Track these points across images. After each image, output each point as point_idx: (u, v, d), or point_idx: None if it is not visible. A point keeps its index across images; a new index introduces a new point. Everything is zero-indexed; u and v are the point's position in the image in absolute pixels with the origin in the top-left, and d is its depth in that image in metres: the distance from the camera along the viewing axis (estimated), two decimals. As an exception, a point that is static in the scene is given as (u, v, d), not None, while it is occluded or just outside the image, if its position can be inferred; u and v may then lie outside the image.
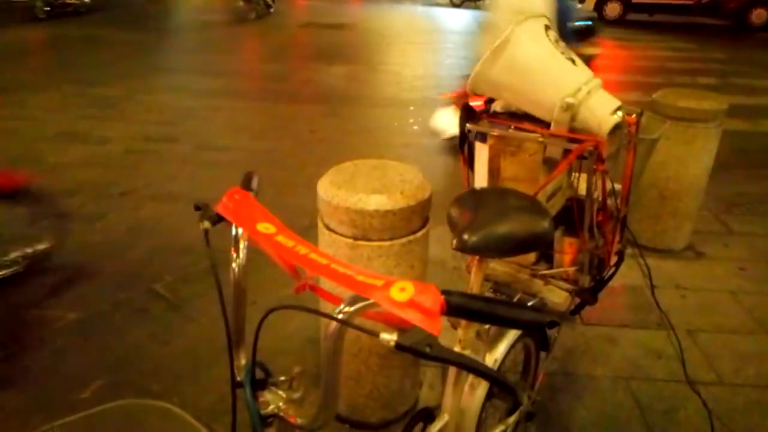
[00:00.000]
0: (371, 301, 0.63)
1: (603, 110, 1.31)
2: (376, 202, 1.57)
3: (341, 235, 1.63)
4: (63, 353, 2.30)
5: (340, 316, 0.65)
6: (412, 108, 6.09)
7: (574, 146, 1.28)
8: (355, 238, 1.61)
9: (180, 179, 4.00)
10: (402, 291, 0.61)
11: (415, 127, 5.46)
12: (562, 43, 1.38)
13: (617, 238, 1.56)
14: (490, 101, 1.48)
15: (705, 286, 2.78)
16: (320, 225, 1.70)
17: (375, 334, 0.59)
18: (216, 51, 8.97)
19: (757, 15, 12.37)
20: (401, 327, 0.60)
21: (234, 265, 0.88)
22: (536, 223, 1.18)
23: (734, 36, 12.01)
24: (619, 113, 1.32)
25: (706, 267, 2.95)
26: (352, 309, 0.65)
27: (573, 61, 1.35)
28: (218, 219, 0.87)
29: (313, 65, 8.02)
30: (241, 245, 0.88)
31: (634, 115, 1.42)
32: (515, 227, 1.16)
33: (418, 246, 1.69)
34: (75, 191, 3.72)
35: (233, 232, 0.88)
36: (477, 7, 15.70)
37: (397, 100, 6.45)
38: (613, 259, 1.57)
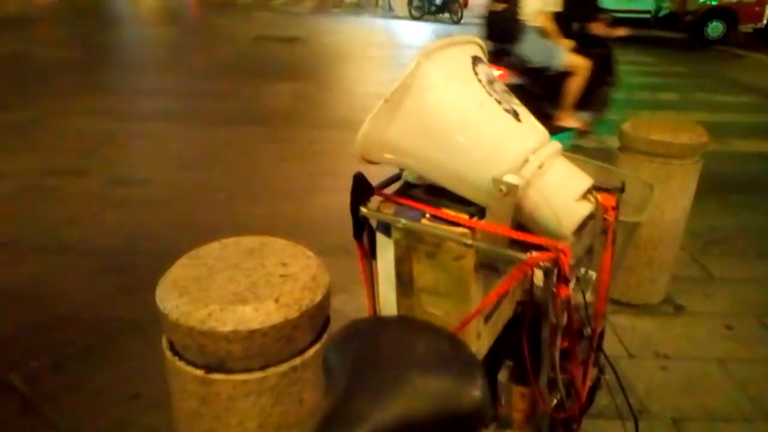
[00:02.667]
0: None
1: (564, 196, 0.83)
2: (236, 318, 1.05)
3: (189, 363, 1.11)
4: None
5: None
6: (362, 130, 5.60)
7: (520, 256, 0.80)
8: (209, 370, 1.09)
9: (79, 223, 3.39)
10: None
11: (364, 152, 4.97)
12: (499, 85, 0.89)
13: (591, 361, 1.09)
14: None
15: (689, 353, 2.35)
16: (164, 343, 1.17)
17: None
18: (156, 68, 8.32)
19: (713, 28, 12.41)
20: None
21: None
22: (458, 394, 0.68)
23: (692, 49, 11.99)
24: (590, 198, 0.85)
25: (687, 326, 2.53)
26: None
27: (516, 115, 0.86)
28: None
29: (259, 82, 7.46)
30: None
31: (612, 193, 0.95)
32: (420, 407, 0.66)
33: (309, 370, 1.17)
34: (-57, 243, 3.08)
35: None
36: (437, 20, 15.46)
37: (347, 120, 5.95)
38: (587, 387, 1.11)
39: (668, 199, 2.41)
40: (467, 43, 0.89)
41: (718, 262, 3.07)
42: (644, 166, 2.36)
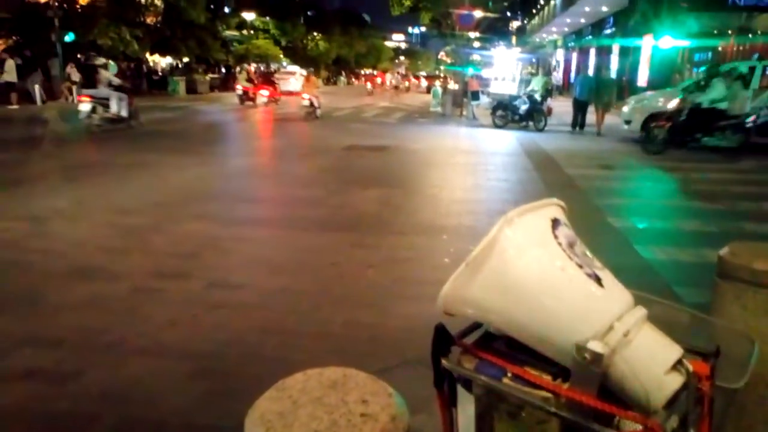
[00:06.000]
0: None
1: (653, 368, 0.80)
2: (316, 459, 1.07)
3: (270, 502, 1.12)
4: None
5: None
6: (445, 237, 5.69)
7: None
8: None
9: (178, 326, 3.63)
10: None
11: (446, 260, 5.01)
12: (580, 248, 0.91)
13: None
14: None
15: None
16: (247, 477, 1.20)
17: None
18: (258, 177, 9.11)
19: (822, 132, 11.68)
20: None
21: None
22: None
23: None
24: (681, 369, 0.81)
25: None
26: None
27: (598, 279, 0.87)
28: None
29: (349, 189, 7.91)
30: None
31: (706, 360, 0.90)
32: None
33: None
34: (60, 341, 3.38)
35: None
36: (521, 128, 15.85)
37: (431, 227, 6.09)
38: None
39: (782, 333, 2.19)
40: (547, 206, 0.93)
41: None
42: (748, 296, 2.19)
